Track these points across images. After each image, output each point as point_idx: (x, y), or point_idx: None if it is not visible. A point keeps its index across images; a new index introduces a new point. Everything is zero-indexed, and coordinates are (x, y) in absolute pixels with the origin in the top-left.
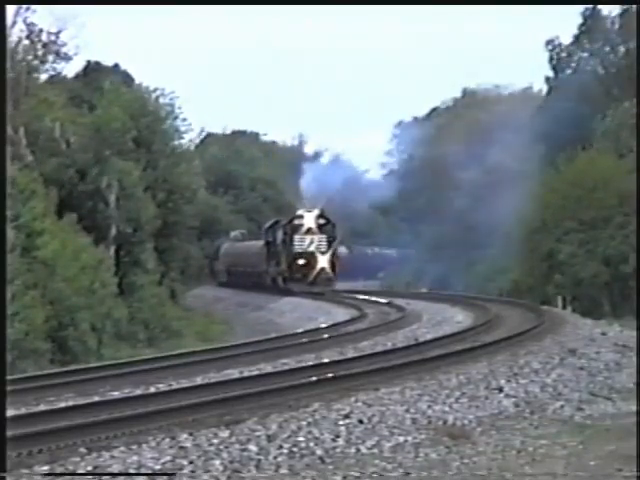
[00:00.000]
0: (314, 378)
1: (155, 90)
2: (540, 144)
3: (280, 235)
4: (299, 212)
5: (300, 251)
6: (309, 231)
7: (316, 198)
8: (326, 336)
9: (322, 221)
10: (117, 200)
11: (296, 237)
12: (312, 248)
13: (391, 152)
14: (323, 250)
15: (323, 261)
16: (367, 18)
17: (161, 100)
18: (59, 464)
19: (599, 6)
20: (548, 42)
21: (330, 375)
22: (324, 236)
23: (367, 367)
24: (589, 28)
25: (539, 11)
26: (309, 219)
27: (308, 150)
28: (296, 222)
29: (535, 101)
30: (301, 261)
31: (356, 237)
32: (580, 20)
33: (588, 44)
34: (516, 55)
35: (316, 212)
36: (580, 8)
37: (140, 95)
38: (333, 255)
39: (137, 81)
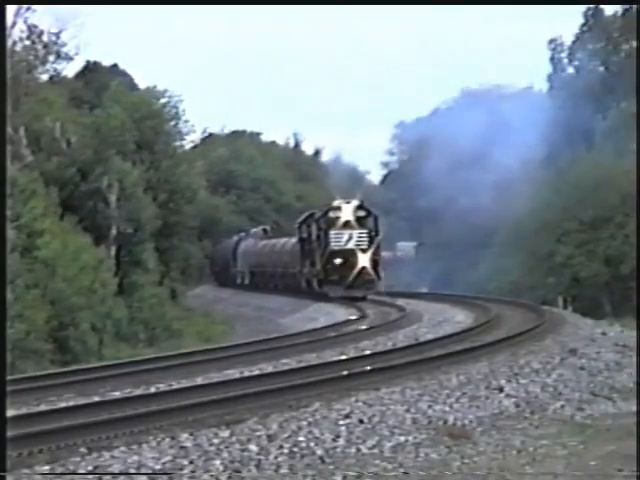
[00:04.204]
0: (313, 378)
1: (163, 92)
2: (541, 143)
3: (314, 230)
4: (335, 203)
5: (337, 249)
6: (347, 225)
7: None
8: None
9: (362, 213)
10: (118, 200)
11: (332, 232)
12: (351, 245)
13: (392, 152)
14: (364, 247)
15: (364, 260)
16: (367, 18)
17: (164, 100)
18: (59, 464)
19: (602, 6)
20: (551, 41)
21: (331, 375)
22: (364, 231)
23: (367, 367)
24: (591, 27)
25: (539, 11)
26: (347, 211)
27: (307, 149)
28: (332, 215)
29: (536, 100)
30: (338, 260)
31: None
32: (581, 20)
33: (590, 43)
34: (516, 55)
35: (355, 203)
36: (582, 8)
37: (147, 99)
38: (375, 252)
39: (136, 81)
